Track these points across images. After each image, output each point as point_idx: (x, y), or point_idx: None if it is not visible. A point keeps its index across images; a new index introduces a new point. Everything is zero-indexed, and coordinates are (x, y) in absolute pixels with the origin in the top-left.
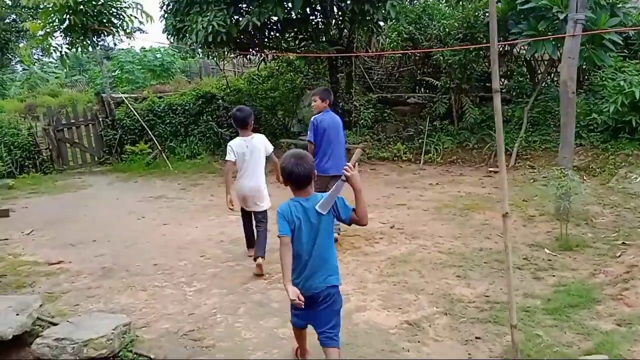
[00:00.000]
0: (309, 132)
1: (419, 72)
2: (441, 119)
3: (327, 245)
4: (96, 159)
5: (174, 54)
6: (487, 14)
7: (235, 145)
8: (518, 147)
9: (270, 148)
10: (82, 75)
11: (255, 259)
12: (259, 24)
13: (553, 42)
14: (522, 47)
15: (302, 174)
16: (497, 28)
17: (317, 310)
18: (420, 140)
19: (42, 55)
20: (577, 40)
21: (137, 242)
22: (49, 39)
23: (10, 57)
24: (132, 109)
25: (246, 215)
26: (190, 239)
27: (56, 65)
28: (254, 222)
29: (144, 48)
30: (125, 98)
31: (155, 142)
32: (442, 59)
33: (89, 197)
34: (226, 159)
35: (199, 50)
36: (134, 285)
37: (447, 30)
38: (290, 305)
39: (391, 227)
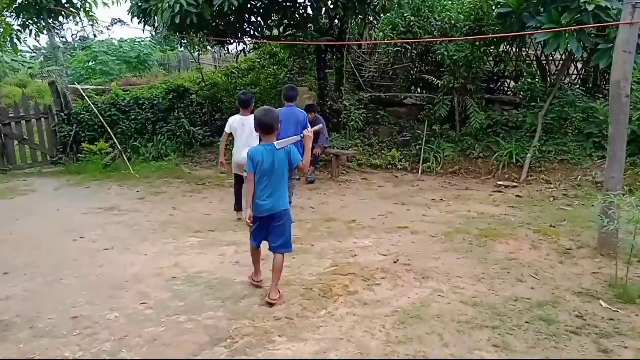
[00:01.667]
0: None
1: (416, 69)
2: (441, 123)
3: (281, 176)
4: (48, 158)
5: (152, 46)
6: (499, 5)
7: (232, 120)
8: (531, 159)
9: None
10: (59, 65)
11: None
12: (236, 4)
13: (576, 37)
14: (534, 45)
15: (267, 122)
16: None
17: (275, 228)
18: (418, 147)
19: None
20: (635, 30)
21: (62, 276)
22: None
23: None
24: (90, 102)
25: (239, 181)
26: (132, 274)
27: (33, 55)
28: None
29: (123, 39)
30: (84, 90)
31: (115, 140)
32: (446, 54)
33: (25, 207)
34: (225, 130)
35: (164, 35)
36: (32, 358)
37: (452, 22)
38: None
39: (395, 262)
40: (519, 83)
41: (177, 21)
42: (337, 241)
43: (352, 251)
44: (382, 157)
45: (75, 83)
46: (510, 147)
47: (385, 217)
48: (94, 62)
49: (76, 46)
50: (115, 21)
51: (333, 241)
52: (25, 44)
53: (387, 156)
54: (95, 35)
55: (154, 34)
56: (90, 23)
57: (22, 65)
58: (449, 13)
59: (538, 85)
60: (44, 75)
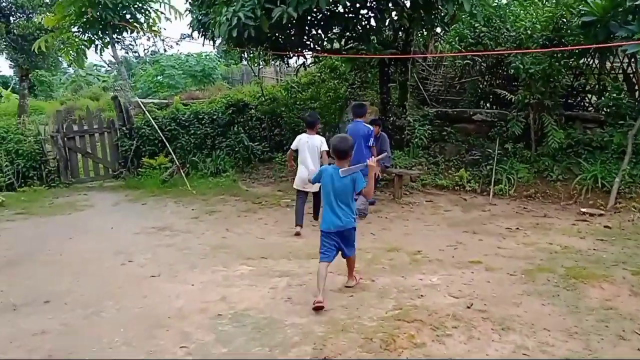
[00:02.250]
0: None
1: (486, 83)
2: (514, 141)
3: (347, 197)
4: (110, 171)
5: (217, 60)
6: (582, 13)
7: (299, 139)
8: (620, 183)
9: (324, 147)
10: (122, 79)
11: (301, 226)
12: (295, 15)
13: None
14: (619, 56)
15: (342, 148)
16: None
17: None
18: (488, 167)
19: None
20: None
21: (103, 307)
22: (67, 34)
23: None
24: (149, 116)
25: (301, 195)
26: (176, 308)
27: (108, 68)
28: (312, 200)
29: (190, 54)
30: (145, 104)
31: (173, 156)
32: (521, 67)
33: (80, 224)
34: (290, 147)
35: (223, 48)
36: None
37: (528, 33)
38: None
39: (468, 307)
40: (603, 98)
41: (235, 34)
42: (400, 276)
43: (417, 290)
44: (448, 177)
45: (136, 97)
46: (595, 169)
47: (455, 248)
48: (161, 76)
49: (147, 60)
50: (184, 36)
51: (396, 276)
52: (101, 58)
53: (454, 176)
54: (165, 50)
55: (213, 48)
56: (161, 38)
57: (97, 78)
58: (523, 23)
59: (625, 101)
60: (116, 88)
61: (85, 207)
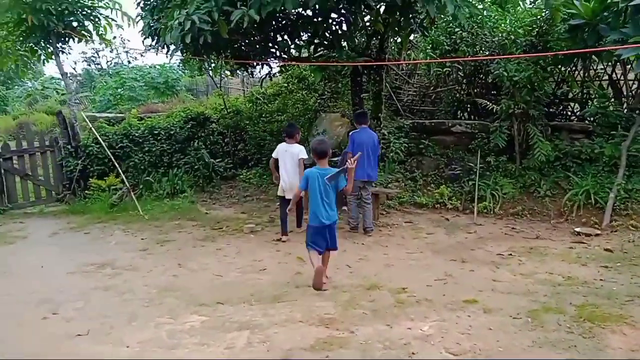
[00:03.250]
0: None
1: (463, 92)
2: (496, 154)
3: (331, 197)
4: (53, 194)
5: (181, 71)
6: (570, 16)
7: (279, 147)
8: (615, 199)
9: (302, 155)
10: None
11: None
12: (257, 19)
13: None
14: (603, 62)
15: (322, 150)
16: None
17: (328, 235)
18: (471, 183)
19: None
20: None
21: None
22: (5, 43)
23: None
24: (95, 133)
25: (284, 203)
26: None
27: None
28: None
29: (153, 65)
30: (97, 118)
31: (123, 176)
32: (505, 75)
33: (4, 261)
34: (272, 155)
35: (180, 58)
36: None
37: (511, 37)
38: (309, 237)
39: None
40: (589, 107)
41: (188, 40)
42: (385, 325)
43: (407, 344)
44: (427, 194)
45: (81, 112)
46: (586, 184)
47: (444, 282)
48: (121, 88)
49: (110, 72)
50: (149, 48)
51: (380, 325)
52: (60, 70)
53: (434, 193)
54: (129, 62)
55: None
56: (125, 49)
57: (57, 91)
58: (504, 27)
59: (614, 110)
60: (76, 101)
61: (16, 238)
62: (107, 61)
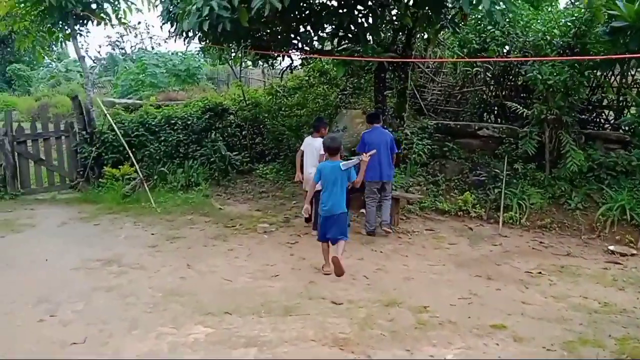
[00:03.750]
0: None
1: (490, 94)
2: (524, 161)
3: (343, 188)
4: (67, 181)
5: (203, 59)
6: (612, 18)
7: (305, 140)
8: None
9: (323, 150)
10: (84, 77)
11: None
12: (279, 7)
13: None
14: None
15: (333, 146)
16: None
17: (332, 225)
18: (497, 191)
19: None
20: None
21: None
22: (21, 23)
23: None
24: (110, 119)
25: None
26: None
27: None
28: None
29: (176, 52)
30: (116, 104)
31: (137, 167)
32: (539, 78)
33: (8, 252)
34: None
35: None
36: None
37: (547, 38)
38: (320, 227)
39: None
40: (627, 115)
41: (206, 28)
42: (405, 350)
43: None
44: (450, 201)
45: (94, 98)
46: (621, 198)
47: (469, 301)
48: (143, 74)
49: (133, 58)
50: (171, 35)
51: (399, 349)
52: (87, 53)
53: (457, 199)
54: (152, 48)
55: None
56: (143, 34)
57: (80, 75)
58: (538, 27)
59: None
60: (100, 85)
61: (24, 227)
62: (131, 46)
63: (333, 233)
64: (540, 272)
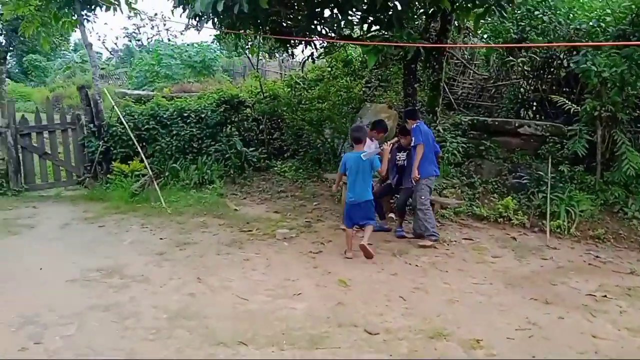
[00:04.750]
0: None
1: (529, 88)
2: (571, 162)
3: (366, 176)
4: (74, 176)
5: (219, 50)
6: None
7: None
8: None
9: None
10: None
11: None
12: None
13: None
14: None
15: (357, 136)
16: None
17: (359, 211)
18: (541, 195)
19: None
20: None
21: None
22: (25, 7)
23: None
24: (118, 112)
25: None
26: None
27: (110, 56)
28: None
29: (191, 43)
30: (121, 96)
31: (146, 163)
32: (593, 70)
33: (1, 260)
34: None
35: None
36: None
37: (601, 25)
38: (345, 213)
39: None
40: None
41: (220, 8)
42: None
43: None
44: (488, 205)
45: (104, 89)
46: None
47: (529, 334)
48: (158, 66)
49: (149, 49)
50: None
51: None
52: (104, 45)
53: (496, 204)
54: (169, 39)
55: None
56: (160, 25)
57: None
58: (587, 14)
59: None
60: (116, 77)
61: (22, 228)
62: (148, 38)
63: (360, 218)
64: (604, 296)
